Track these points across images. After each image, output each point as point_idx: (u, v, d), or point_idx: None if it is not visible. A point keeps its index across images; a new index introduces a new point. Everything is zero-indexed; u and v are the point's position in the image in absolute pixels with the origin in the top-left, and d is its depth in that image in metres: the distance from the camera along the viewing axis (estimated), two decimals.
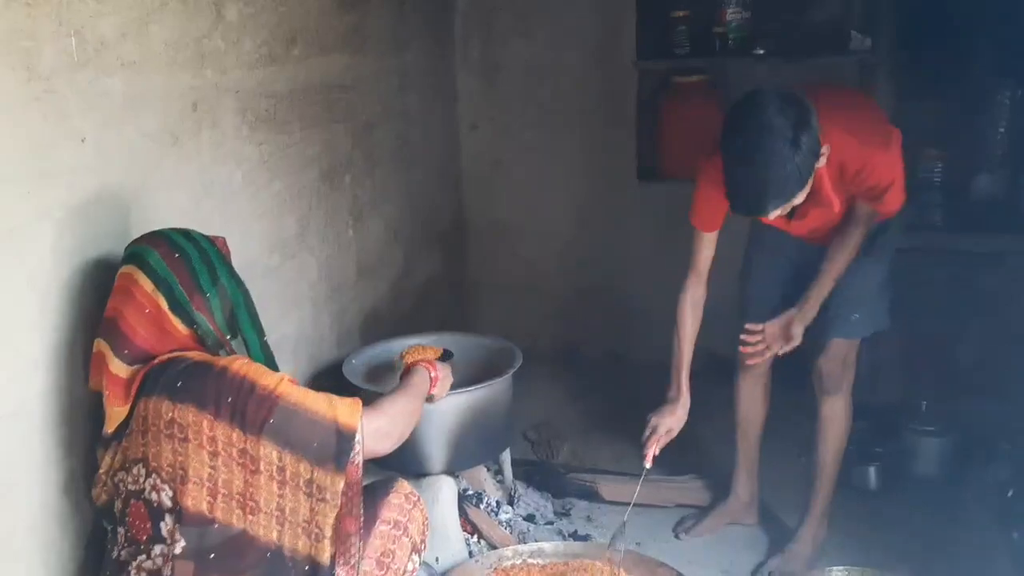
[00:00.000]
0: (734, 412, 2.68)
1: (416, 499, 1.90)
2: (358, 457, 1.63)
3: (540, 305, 3.97)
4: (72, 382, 1.73)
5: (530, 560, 2.43)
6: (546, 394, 3.50)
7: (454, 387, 2.57)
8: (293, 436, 1.58)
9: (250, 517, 1.58)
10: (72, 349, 1.72)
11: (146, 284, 1.64)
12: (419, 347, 2.52)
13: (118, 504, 1.63)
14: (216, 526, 1.57)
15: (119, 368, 1.62)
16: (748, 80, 3.45)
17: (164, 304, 1.64)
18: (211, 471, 1.57)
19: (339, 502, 1.60)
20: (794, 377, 2.59)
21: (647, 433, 2.35)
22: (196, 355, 1.66)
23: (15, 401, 1.62)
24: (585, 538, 2.66)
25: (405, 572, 1.83)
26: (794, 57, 3.36)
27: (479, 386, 2.51)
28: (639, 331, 3.86)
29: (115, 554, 1.62)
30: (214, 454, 1.56)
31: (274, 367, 1.75)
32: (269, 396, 1.58)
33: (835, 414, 2.47)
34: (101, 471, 1.66)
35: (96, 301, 1.73)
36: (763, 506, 2.74)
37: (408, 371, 2.04)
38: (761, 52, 3.46)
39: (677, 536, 2.71)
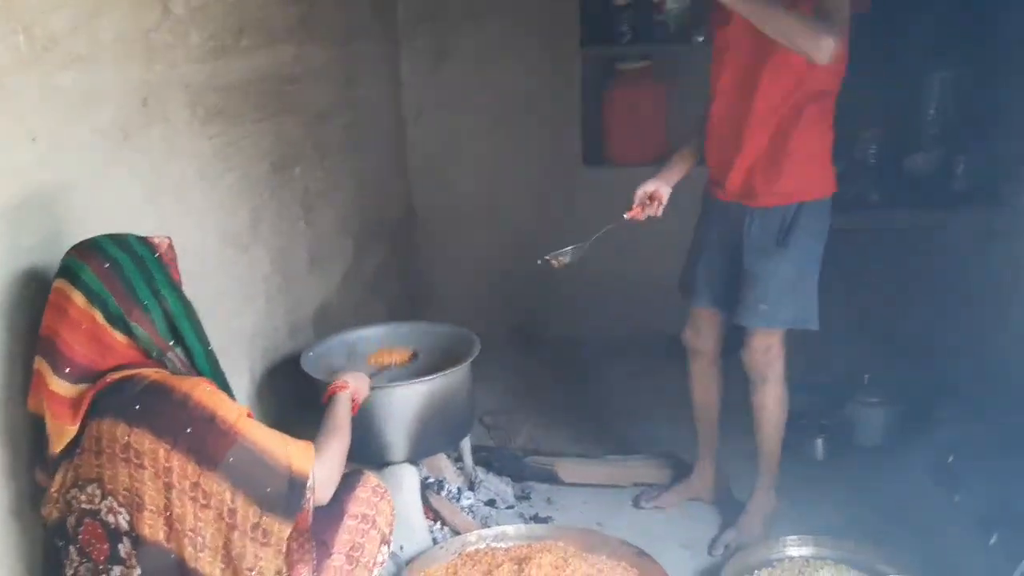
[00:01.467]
0: (690, 396, 2.73)
1: (383, 491, 1.92)
2: (309, 504, 1.62)
3: (491, 291, 4.00)
4: (11, 401, 1.66)
5: (494, 544, 2.47)
6: (501, 379, 3.54)
7: (414, 375, 2.61)
8: (248, 477, 1.56)
9: (199, 554, 1.56)
10: (12, 365, 1.65)
11: (79, 299, 1.57)
12: (385, 350, 2.53)
13: (71, 520, 1.59)
14: (173, 556, 1.55)
15: (61, 387, 1.57)
16: (690, 67, 3.52)
17: (100, 318, 1.58)
18: (166, 502, 1.54)
19: (283, 548, 1.59)
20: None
21: (636, 197, 2.47)
22: (153, 374, 1.61)
23: None
24: (546, 520, 2.70)
25: (375, 564, 1.85)
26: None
27: (438, 375, 2.53)
28: (591, 314, 3.92)
29: (70, 572, 1.59)
30: (168, 485, 1.53)
31: (221, 377, 1.72)
32: (229, 431, 1.55)
33: (766, 402, 2.51)
34: (52, 489, 1.60)
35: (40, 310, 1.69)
36: (724, 484, 2.81)
37: (330, 399, 1.98)
38: (701, 39, 3.53)
39: (638, 506, 2.77)
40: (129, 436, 1.53)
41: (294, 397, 2.67)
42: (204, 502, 1.54)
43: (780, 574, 2.34)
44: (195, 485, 1.54)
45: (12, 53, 1.63)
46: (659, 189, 2.47)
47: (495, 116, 3.88)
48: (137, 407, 1.54)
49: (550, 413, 3.40)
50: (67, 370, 1.57)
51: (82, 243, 1.64)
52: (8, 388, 1.65)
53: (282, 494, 1.59)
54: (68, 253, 1.63)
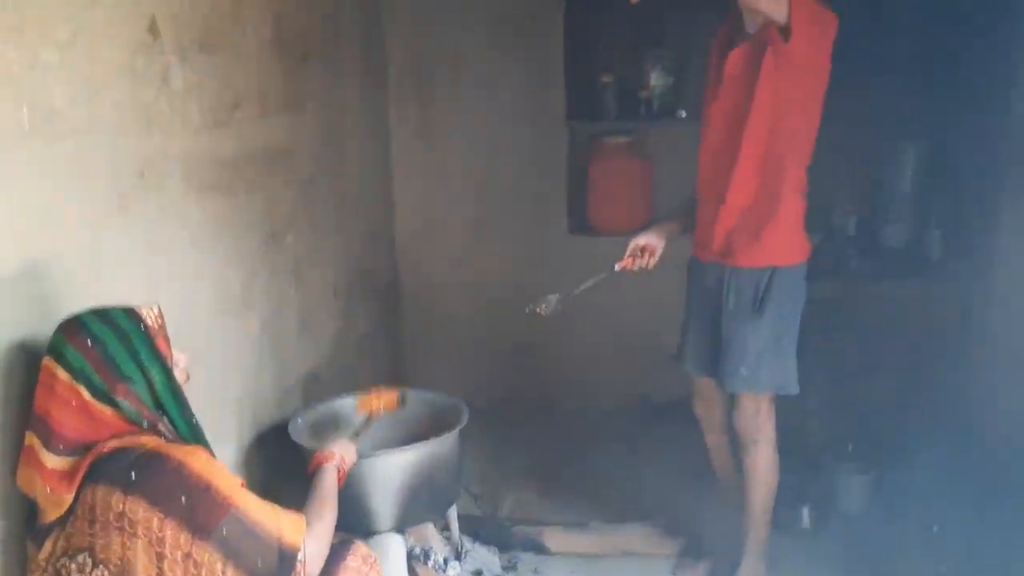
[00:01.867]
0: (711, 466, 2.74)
1: (373, 561, 1.91)
2: None
3: (478, 357, 4.02)
4: (6, 471, 1.66)
5: None
6: (487, 447, 3.53)
7: (401, 443, 2.61)
8: (239, 548, 1.56)
9: None
10: (4, 436, 1.66)
11: (64, 377, 1.59)
12: (375, 394, 2.54)
13: None
14: None
15: (54, 462, 1.58)
16: (672, 141, 3.64)
17: (86, 394, 1.59)
18: (158, 571, 1.53)
19: None
20: None
21: (628, 249, 2.55)
22: (150, 442, 1.61)
23: None
24: None
25: None
26: None
27: (426, 443, 2.53)
28: (575, 382, 3.95)
29: None
30: (161, 555, 1.52)
31: (207, 447, 1.72)
32: (223, 502, 1.56)
33: (756, 465, 2.53)
34: (41, 557, 1.59)
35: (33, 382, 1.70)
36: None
37: (316, 471, 1.99)
38: (684, 115, 3.64)
39: None
40: (124, 504, 1.53)
41: (282, 464, 2.66)
42: (195, 572, 1.54)
43: None
44: (187, 555, 1.53)
45: (15, 126, 1.68)
46: (651, 242, 2.56)
47: (482, 185, 3.96)
48: (132, 475, 1.54)
49: (537, 482, 3.39)
50: (60, 446, 1.59)
51: (67, 320, 1.65)
52: (2, 462, 1.65)
53: (272, 567, 1.59)
54: (56, 329, 1.64)
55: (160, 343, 1.70)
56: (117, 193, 1.99)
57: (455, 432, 2.59)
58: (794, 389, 2.48)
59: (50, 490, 1.57)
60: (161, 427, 1.67)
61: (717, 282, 2.49)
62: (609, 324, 3.66)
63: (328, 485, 1.93)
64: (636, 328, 3.76)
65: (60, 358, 1.60)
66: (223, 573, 1.55)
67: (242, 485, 1.62)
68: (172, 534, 1.53)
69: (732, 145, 2.39)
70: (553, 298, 2.47)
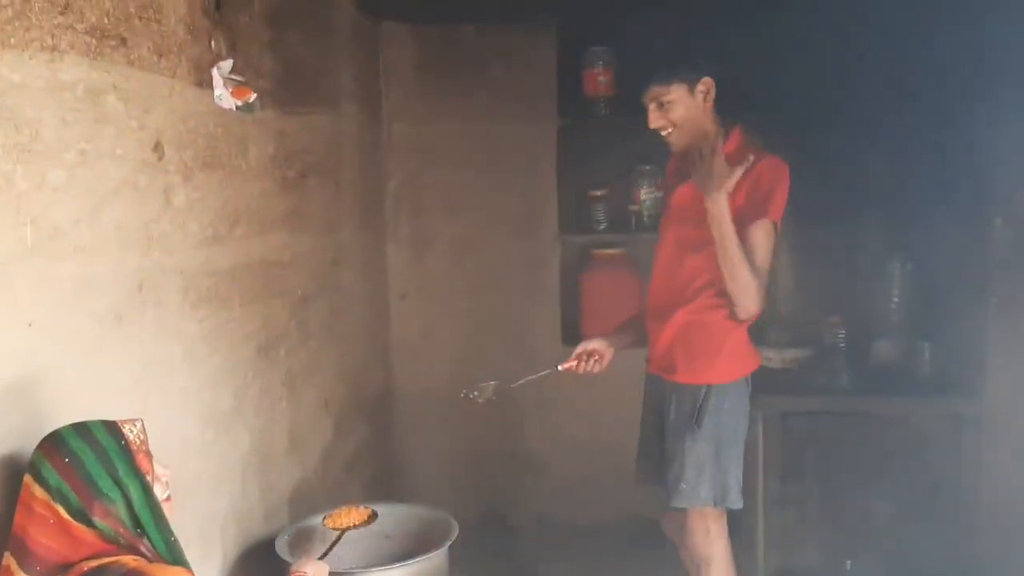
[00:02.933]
0: None
1: None
2: None
3: (468, 472, 3.98)
4: None
5: None
6: (477, 563, 3.45)
7: (388, 560, 2.56)
8: None
9: None
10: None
11: (41, 495, 1.57)
12: (344, 509, 2.52)
13: None
14: None
15: None
16: None
17: (63, 513, 1.57)
18: None
19: None
20: None
21: (576, 351, 2.67)
22: (132, 562, 1.58)
23: None
24: None
25: None
26: None
27: (415, 560, 2.49)
28: (567, 496, 3.90)
29: None
30: None
31: (185, 564, 1.68)
32: None
33: None
34: None
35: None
36: None
37: None
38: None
39: None
40: None
41: None
42: None
43: None
44: None
45: (18, 244, 1.72)
46: (600, 348, 2.67)
47: (474, 299, 4.01)
48: None
49: None
50: (36, 568, 1.55)
51: (47, 436, 1.64)
52: None
53: None
54: (36, 447, 1.63)
55: (140, 459, 1.67)
56: (114, 308, 2.02)
57: (444, 548, 2.55)
58: (737, 503, 2.49)
59: None
60: (142, 548, 1.64)
61: (661, 394, 2.56)
62: (606, 439, 3.63)
63: None
64: (630, 441, 3.74)
65: (38, 476, 1.58)
66: None
67: None
68: None
69: (679, 267, 2.51)
70: (490, 386, 2.52)
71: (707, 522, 2.47)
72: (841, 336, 3.55)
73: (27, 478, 1.60)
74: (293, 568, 2.08)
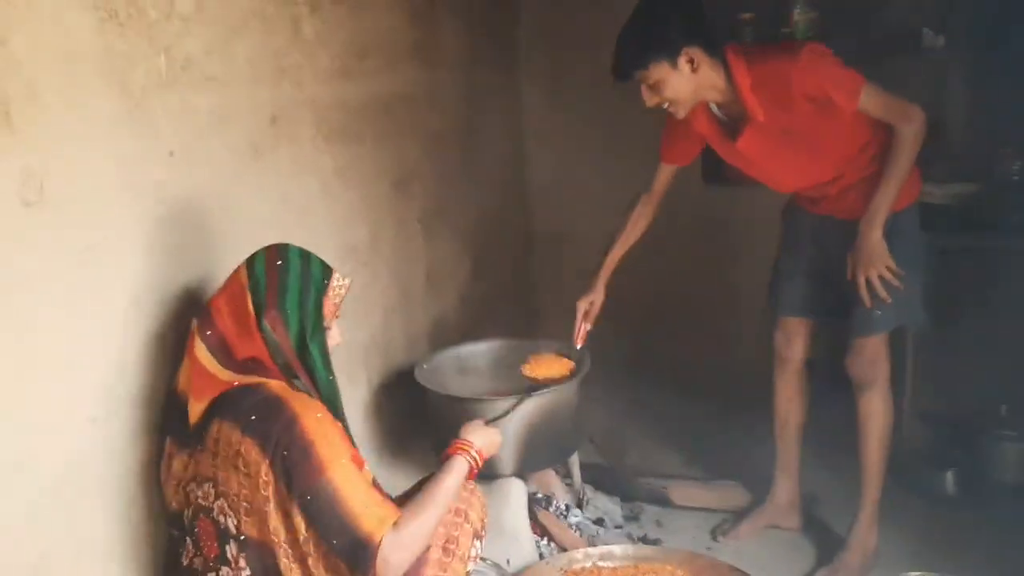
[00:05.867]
0: (773, 411, 2.69)
1: (473, 487, 1.92)
2: (373, 573, 1.55)
3: (607, 315, 3.97)
4: (159, 384, 1.80)
5: (600, 563, 2.44)
6: (615, 401, 3.50)
7: (533, 390, 2.60)
8: (321, 519, 1.55)
9: (293, 564, 1.59)
10: (163, 347, 1.80)
11: (243, 278, 1.70)
12: (545, 358, 2.54)
13: (188, 514, 1.67)
14: (272, 562, 1.60)
15: (202, 352, 1.67)
16: None
17: (249, 300, 1.67)
18: (266, 512, 1.58)
19: None
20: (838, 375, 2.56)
21: (578, 316, 2.62)
22: (276, 386, 1.66)
23: (115, 397, 1.70)
24: (655, 542, 2.66)
25: (469, 558, 1.85)
26: (864, 56, 3.31)
27: (547, 390, 2.53)
28: (706, 338, 3.85)
29: (186, 561, 1.67)
30: (268, 497, 1.58)
31: (338, 407, 1.73)
32: (318, 467, 1.55)
33: (872, 409, 2.44)
34: (174, 481, 1.70)
35: (182, 308, 1.81)
36: (809, 511, 2.73)
37: (447, 460, 1.83)
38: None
39: (715, 539, 2.70)
40: (241, 444, 1.59)
41: (409, 408, 2.73)
42: (288, 525, 1.58)
43: None
44: (281, 504, 1.58)
45: (153, 75, 1.76)
46: (596, 300, 2.65)
47: (614, 139, 3.87)
48: (253, 418, 1.60)
49: (662, 435, 3.35)
50: (208, 332, 1.68)
51: (279, 243, 1.77)
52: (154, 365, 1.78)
53: (346, 551, 1.55)
54: (265, 247, 1.76)
55: (328, 304, 1.76)
56: (250, 140, 2.07)
57: (575, 380, 2.58)
58: (919, 319, 2.45)
59: (193, 388, 1.65)
60: (299, 373, 1.71)
61: (832, 232, 2.44)
62: (746, 280, 3.53)
63: (448, 483, 1.77)
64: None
65: (250, 264, 1.72)
66: (306, 538, 1.56)
67: (354, 457, 1.61)
68: (274, 482, 1.57)
69: (812, 162, 2.37)
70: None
71: (878, 345, 2.41)
72: (1016, 168, 3.23)
73: (242, 264, 1.73)
74: (460, 436, 1.90)
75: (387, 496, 1.64)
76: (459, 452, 1.84)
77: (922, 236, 2.44)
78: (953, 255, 2.93)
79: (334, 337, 1.79)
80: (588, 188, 3.95)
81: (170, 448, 1.72)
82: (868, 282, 2.29)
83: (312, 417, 1.60)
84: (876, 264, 2.27)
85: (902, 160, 2.24)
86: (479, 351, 2.90)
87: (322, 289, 1.74)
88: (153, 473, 1.78)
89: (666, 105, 2.31)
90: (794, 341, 2.62)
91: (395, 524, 1.59)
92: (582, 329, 2.64)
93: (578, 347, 2.64)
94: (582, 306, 2.64)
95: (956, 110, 3.42)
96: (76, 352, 1.63)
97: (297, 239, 2.12)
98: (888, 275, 2.26)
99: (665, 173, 2.67)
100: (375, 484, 1.64)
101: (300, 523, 1.56)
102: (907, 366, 2.90)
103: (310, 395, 1.69)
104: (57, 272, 1.57)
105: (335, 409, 1.71)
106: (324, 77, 2.35)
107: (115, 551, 1.74)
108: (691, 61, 2.20)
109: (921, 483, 2.84)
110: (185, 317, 1.80)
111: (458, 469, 1.81)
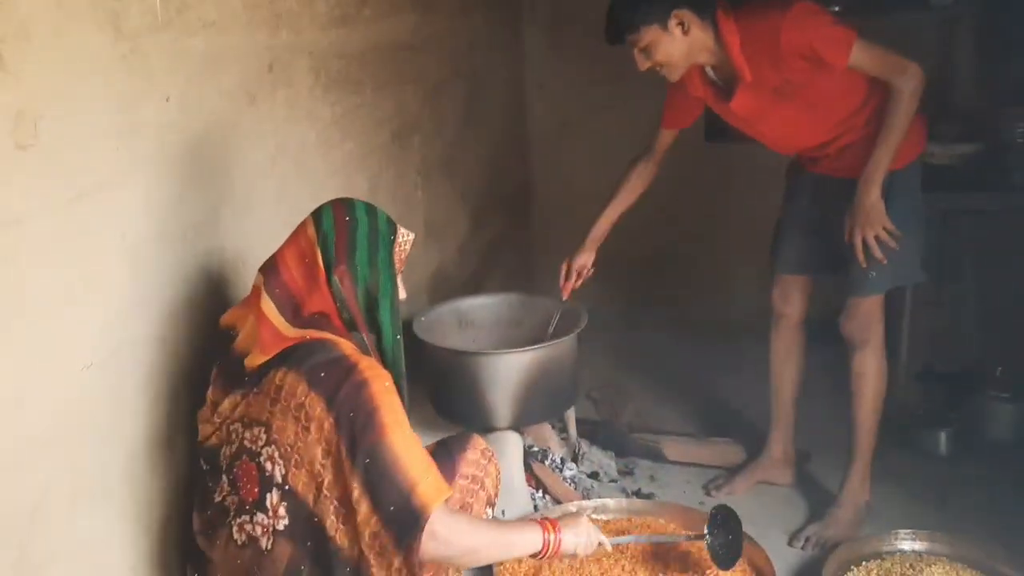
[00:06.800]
0: (769, 368, 2.71)
1: (491, 455, 1.94)
2: (418, 544, 1.53)
3: (605, 269, 3.96)
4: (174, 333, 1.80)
5: (593, 515, 2.47)
6: (611, 356, 3.52)
7: (521, 344, 2.61)
8: (377, 484, 1.54)
9: (340, 526, 1.59)
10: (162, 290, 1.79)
11: (311, 235, 1.70)
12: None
13: (227, 451, 1.66)
14: (316, 520, 1.59)
15: (268, 308, 1.66)
16: None
17: (319, 256, 1.68)
18: (320, 468, 1.58)
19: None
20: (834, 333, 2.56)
21: (563, 272, 2.65)
22: (348, 348, 1.64)
23: (114, 342, 1.69)
24: (648, 496, 2.69)
25: None
26: (871, 14, 3.26)
27: (543, 344, 2.56)
28: (705, 295, 3.85)
29: (219, 497, 1.65)
30: (327, 453, 1.57)
31: (399, 368, 1.73)
32: (379, 430, 1.55)
33: (865, 369, 2.45)
34: (221, 409, 1.68)
35: (180, 252, 1.80)
36: (802, 467, 2.76)
37: (532, 524, 1.76)
38: (837, 9, 3.37)
39: (708, 493, 2.73)
40: (306, 398, 1.58)
41: (406, 361, 2.73)
42: (345, 485, 1.57)
43: (889, 567, 2.25)
44: (340, 463, 1.56)
45: (148, 16, 1.72)
46: (586, 262, 2.68)
47: (617, 89, 3.81)
48: (322, 374, 1.58)
49: (657, 391, 3.37)
50: (276, 290, 1.68)
51: (342, 197, 1.77)
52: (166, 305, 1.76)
53: (399, 518, 1.54)
54: (329, 201, 1.76)
55: (397, 262, 1.76)
56: (246, 87, 2.03)
57: (572, 336, 2.59)
58: (919, 277, 2.47)
59: (257, 339, 1.64)
60: (363, 331, 1.71)
61: (831, 191, 2.43)
62: (742, 238, 3.52)
63: (512, 540, 1.71)
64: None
65: (317, 219, 1.72)
66: (360, 502, 1.55)
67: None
68: (336, 443, 1.56)
69: (812, 121, 2.37)
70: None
71: (872, 305, 2.42)
72: (1021, 129, 3.20)
73: (308, 218, 1.73)
74: (562, 524, 1.77)
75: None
76: (546, 529, 1.74)
77: (922, 196, 2.43)
78: (954, 216, 2.92)
79: (400, 292, 1.80)
80: (591, 137, 3.92)
81: (218, 387, 1.71)
82: (864, 243, 2.29)
83: (381, 384, 1.60)
84: (873, 225, 2.26)
85: (898, 118, 2.22)
86: (478, 305, 2.91)
87: (390, 244, 1.74)
88: (157, 415, 1.78)
89: (659, 68, 2.31)
90: (791, 298, 2.63)
91: (453, 513, 1.61)
92: (568, 285, 2.66)
93: (564, 299, 2.67)
94: (565, 266, 2.66)
95: (962, 69, 3.38)
96: (76, 294, 1.61)
97: (294, 189, 2.11)
98: (884, 236, 2.25)
99: (666, 137, 2.67)
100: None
101: (354, 488, 1.54)
102: (903, 325, 2.91)
103: (370, 354, 1.69)
104: (52, 215, 1.55)
105: (398, 369, 1.72)
106: (322, 23, 2.31)
107: (114, 489, 1.75)
108: (681, 24, 2.22)
109: (915, 442, 2.86)
110: (183, 261, 1.79)
111: (530, 540, 1.72)
